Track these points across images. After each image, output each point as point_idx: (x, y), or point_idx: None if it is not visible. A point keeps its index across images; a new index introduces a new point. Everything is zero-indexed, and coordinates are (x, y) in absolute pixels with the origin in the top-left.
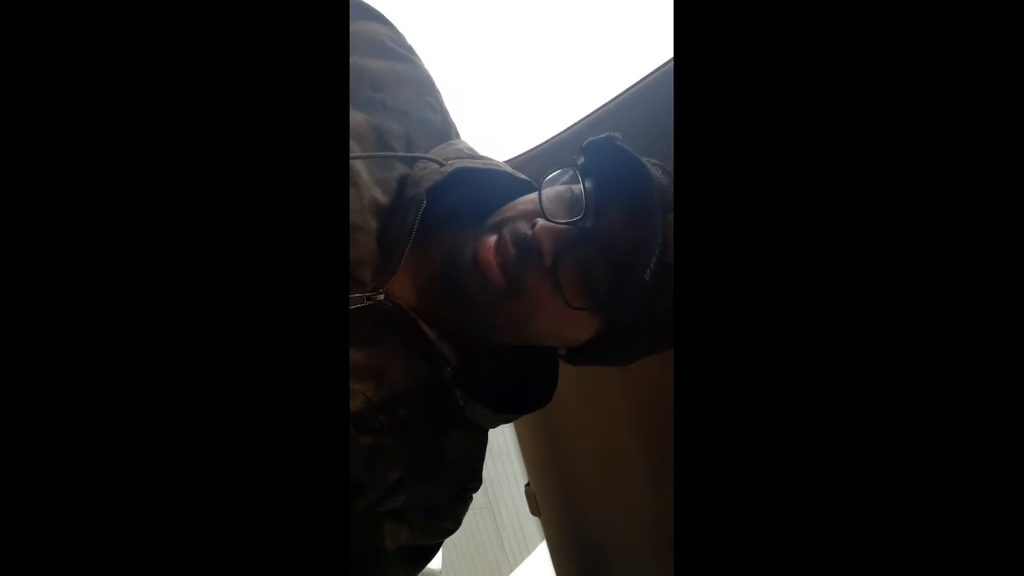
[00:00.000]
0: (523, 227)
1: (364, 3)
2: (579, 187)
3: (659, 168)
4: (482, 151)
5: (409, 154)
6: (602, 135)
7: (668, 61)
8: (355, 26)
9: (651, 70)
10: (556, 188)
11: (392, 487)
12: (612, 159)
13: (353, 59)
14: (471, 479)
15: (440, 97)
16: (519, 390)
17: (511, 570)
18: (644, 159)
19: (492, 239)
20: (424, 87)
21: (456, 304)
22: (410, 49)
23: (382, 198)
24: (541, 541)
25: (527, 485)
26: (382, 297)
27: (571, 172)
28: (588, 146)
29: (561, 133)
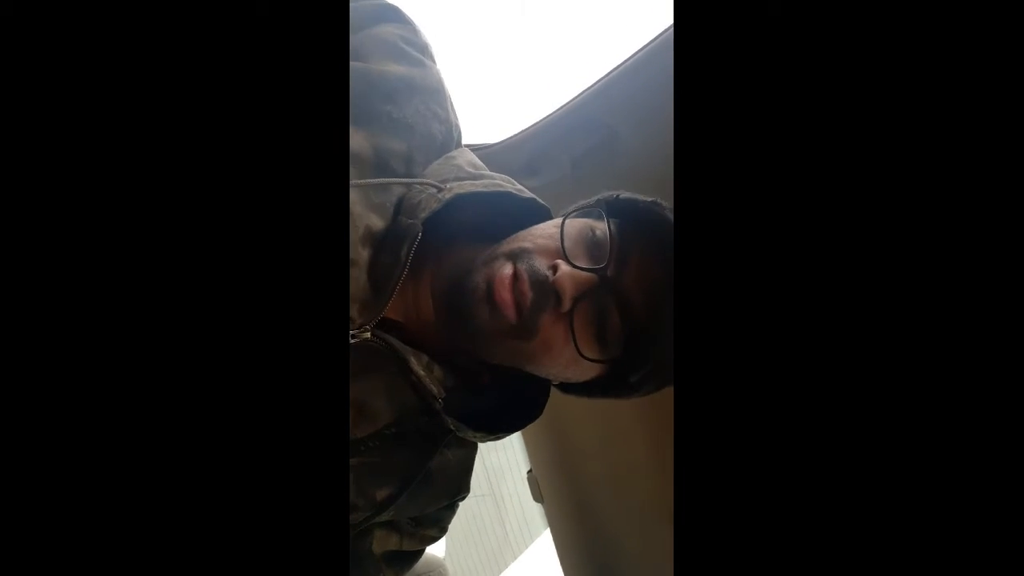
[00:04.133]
0: (542, 266)
1: (377, 4)
2: (602, 228)
3: None
4: (477, 133)
5: (407, 179)
6: (649, 200)
7: (657, 36)
8: (371, 31)
9: (641, 45)
10: (576, 224)
11: (382, 504)
12: (642, 215)
13: (367, 65)
14: (461, 490)
15: (448, 104)
16: (511, 408)
17: (514, 557)
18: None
19: (508, 272)
20: (434, 95)
21: (457, 329)
22: (424, 48)
23: (377, 224)
24: (544, 527)
25: (529, 471)
26: (368, 335)
27: (595, 209)
28: (620, 199)
29: (553, 113)
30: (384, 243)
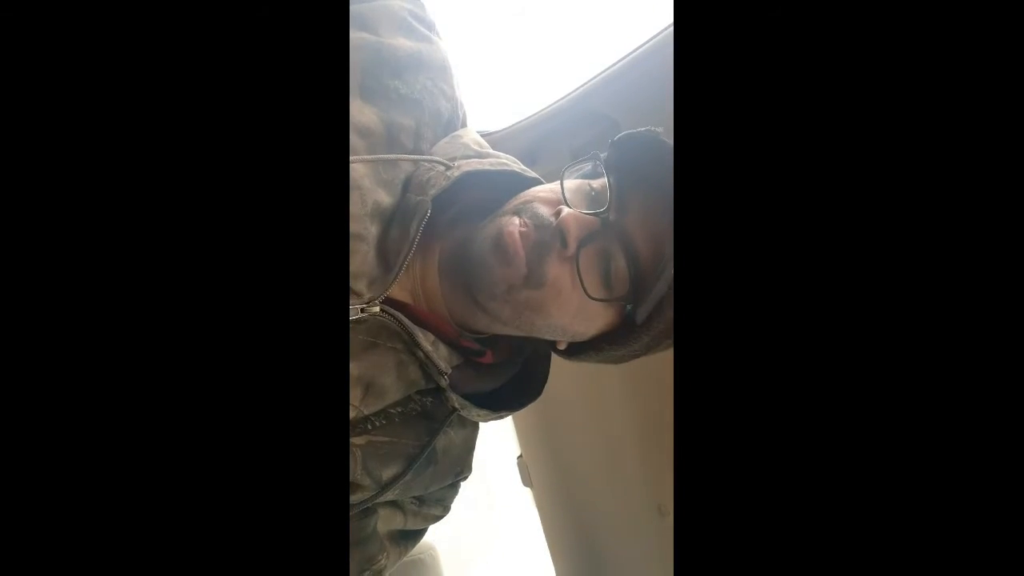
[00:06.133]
0: (546, 213)
1: None
2: (599, 182)
3: None
4: (476, 124)
5: (416, 156)
6: (644, 128)
7: (663, 30)
8: (381, 1)
9: (646, 39)
10: (574, 181)
11: (388, 483)
12: (642, 154)
13: (379, 38)
14: (464, 469)
15: (454, 82)
16: (513, 387)
17: (503, 541)
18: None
19: (515, 222)
20: (440, 73)
21: (466, 291)
22: (431, 25)
23: (386, 200)
24: (532, 512)
25: (519, 457)
26: (377, 309)
27: (590, 166)
28: (620, 140)
29: (555, 103)
30: (393, 219)
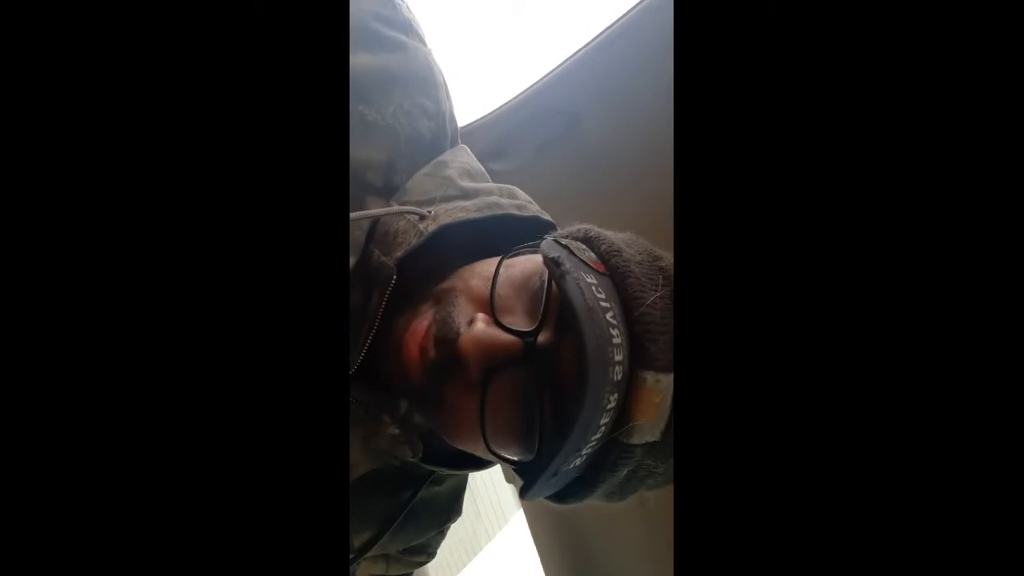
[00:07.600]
0: (460, 318)
1: None
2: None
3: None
4: (465, 109)
5: (383, 211)
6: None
7: (616, 20)
8: None
9: (630, 6)
10: (530, 264)
11: (361, 549)
12: (571, 252)
13: None
14: (451, 517)
15: (438, 92)
16: None
17: (488, 540)
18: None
19: (424, 323)
20: (419, 86)
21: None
22: (406, 26)
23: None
24: (517, 509)
25: None
26: None
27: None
28: (562, 243)
29: (520, 94)
30: (354, 281)
